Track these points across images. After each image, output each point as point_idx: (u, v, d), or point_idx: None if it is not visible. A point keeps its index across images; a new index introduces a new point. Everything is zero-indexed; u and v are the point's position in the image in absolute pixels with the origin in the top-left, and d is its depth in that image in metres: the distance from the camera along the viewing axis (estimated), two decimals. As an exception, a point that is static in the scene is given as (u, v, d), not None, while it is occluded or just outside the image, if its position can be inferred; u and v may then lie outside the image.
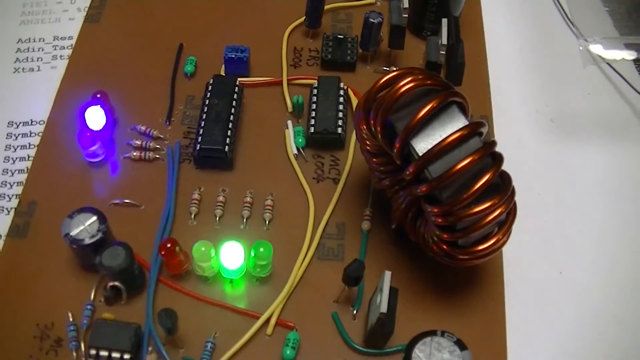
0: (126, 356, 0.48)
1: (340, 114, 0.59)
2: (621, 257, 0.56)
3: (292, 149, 0.59)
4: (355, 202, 0.56)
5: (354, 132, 0.58)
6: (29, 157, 0.61)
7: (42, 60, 0.68)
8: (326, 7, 0.66)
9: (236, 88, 0.60)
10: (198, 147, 0.57)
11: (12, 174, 0.60)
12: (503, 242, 0.48)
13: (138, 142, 0.59)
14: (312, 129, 0.58)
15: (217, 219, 0.55)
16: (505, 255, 0.54)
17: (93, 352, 0.48)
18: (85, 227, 0.51)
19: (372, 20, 0.61)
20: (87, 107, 0.57)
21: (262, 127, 0.61)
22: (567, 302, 0.54)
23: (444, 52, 0.59)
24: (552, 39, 0.70)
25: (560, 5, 0.72)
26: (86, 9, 0.69)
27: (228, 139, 0.57)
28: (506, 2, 0.73)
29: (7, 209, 0.58)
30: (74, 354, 0.49)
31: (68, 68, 0.64)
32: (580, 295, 0.55)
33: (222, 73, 0.63)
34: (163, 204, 0.56)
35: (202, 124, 0.58)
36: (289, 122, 0.60)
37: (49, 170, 0.58)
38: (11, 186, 0.59)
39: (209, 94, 0.60)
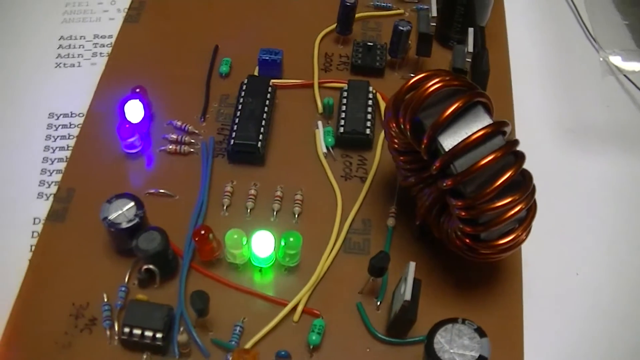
0: (158, 335, 0.49)
1: (369, 116, 0.61)
2: (634, 260, 0.58)
3: (322, 148, 0.61)
4: (381, 200, 0.58)
5: (382, 133, 0.60)
6: (68, 147, 0.63)
7: (82, 56, 0.71)
8: (357, 15, 0.68)
9: (269, 88, 0.62)
10: (232, 142, 0.59)
11: (52, 162, 0.63)
12: (523, 238, 0.49)
13: (174, 137, 0.61)
14: (341, 129, 0.60)
15: (248, 211, 0.57)
16: (524, 255, 0.55)
17: (127, 330, 0.50)
18: (123, 212, 0.53)
19: (401, 28, 0.63)
20: (127, 101, 0.59)
21: (293, 127, 0.63)
22: (582, 302, 0.56)
23: (469, 60, 0.61)
24: (573, 51, 0.72)
25: (581, 18, 0.74)
26: (126, 9, 0.72)
27: (261, 136, 0.59)
28: (529, 14, 0.75)
29: (46, 194, 0.61)
30: (108, 332, 0.51)
31: (108, 64, 0.67)
32: (595, 295, 0.56)
33: (256, 74, 0.65)
34: (196, 196, 0.58)
35: (236, 121, 0.60)
36: (319, 123, 0.62)
37: (87, 160, 0.60)
38: (51, 174, 0.62)
39: (243, 92, 0.62)
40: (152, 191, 0.58)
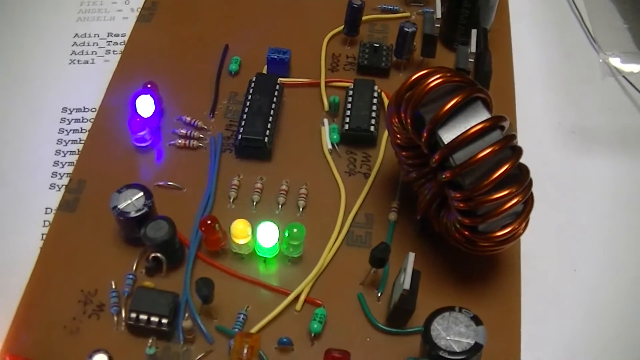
0: (164, 320, 0.51)
1: (374, 114, 0.62)
2: (632, 259, 0.59)
3: (327, 145, 0.62)
4: (383, 195, 0.59)
5: (386, 131, 0.61)
6: (80, 140, 0.65)
7: (96, 54, 0.72)
8: (364, 17, 0.69)
9: (277, 86, 0.63)
10: (239, 137, 0.60)
11: (64, 154, 0.64)
12: (521, 231, 0.51)
13: (183, 131, 0.62)
14: (346, 126, 0.62)
15: (254, 203, 0.59)
16: (523, 250, 0.56)
17: (133, 315, 0.51)
18: (132, 201, 0.54)
19: (406, 30, 0.65)
20: (138, 96, 0.61)
21: (299, 123, 0.64)
22: (579, 298, 0.57)
23: (472, 60, 0.62)
24: (574, 53, 0.73)
25: (583, 21, 0.75)
26: (139, 9, 0.74)
27: (268, 131, 0.61)
28: (533, 17, 0.76)
29: (58, 185, 0.62)
30: (115, 318, 0.53)
31: (120, 61, 0.69)
32: (592, 292, 0.57)
33: (265, 72, 0.67)
34: (204, 188, 0.59)
35: (244, 116, 0.61)
36: (325, 120, 0.64)
37: (99, 152, 0.62)
38: (63, 166, 0.63)
39: (251, 90, 0.63)
40: (161, 183, 0.59)
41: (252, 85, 0.64)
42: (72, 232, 0.57)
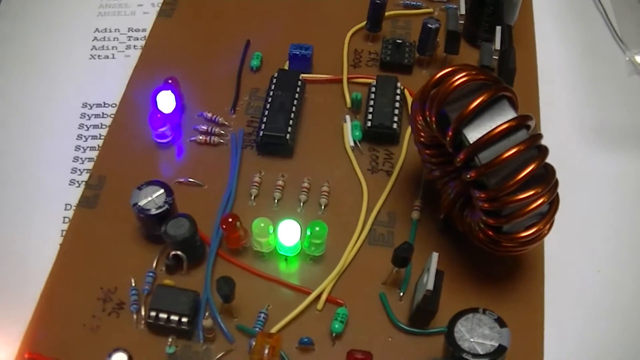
0: (184, 319, 0.50)
1: (396, 111, 0.61)
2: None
3: (349, 142, 0.61)
4: (406, 193, 0.59)
5: (409, 128, 0.61)
6: (100, 135, 0.65)
7: (116, 49, 0.72)
8: (387, 13, 0.69)
9: (299, 82, 0.63)
10: (261, 134, 0.60)
11: (84, 150, 0.64)
12: (545, 232, 0.50)
13: (204, 127, 0.62)
14: (369, 123, 0.61)
15: (276, 201, 0.58)
16: (547, 251, 0.56)
17: (153, 314, 0.51)
18: (152, 198, 0.54)
19: (430, 26, 0.64)
20: (159, 91, 0.61)
21: (321, 120, 0.63)
22: (603, 300, 0.56)
23: (496, 58, 0.62)
24: (599, 51, 0.72)
25: (608, 18, 0.74)
26: (160, 4, 0.73)
27: (289, 128, 0.60)
28: (557, 14, 0.75)
29: (78, 182, 0.62)
30: (135, 316, 0.52)
31: (141, 56, 0.68)
32: (616, 294, 0.56)
33: (286, 68, 0.66)
34: (225, 185, 0.59)
35: (266, 113, 0.61)
36: (347, 117, 0.63)
37: (119, 148, 0.62)
38: (83, 162, 0.63)
39: (273, 85, 0.63)
40: (181, 180, 0.59)
41: (274, 81, 0.63)
42: (92, 229, 0.57)
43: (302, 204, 0.58)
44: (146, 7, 0.76)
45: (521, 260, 0.55)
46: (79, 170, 0.63)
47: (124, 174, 0.60)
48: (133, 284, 0.53)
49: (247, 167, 0.60)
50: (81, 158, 0.63)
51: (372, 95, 0.62)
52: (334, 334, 0.51)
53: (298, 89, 0.63)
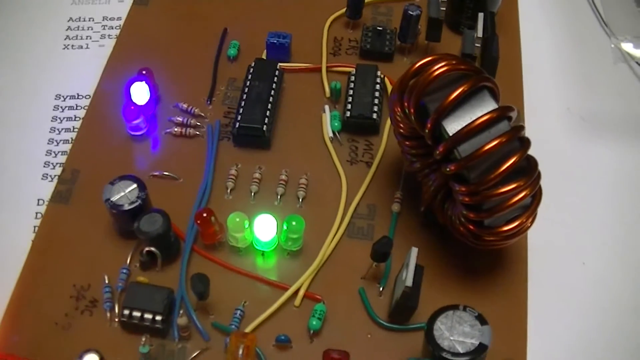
0: (158, 317, 0.49)
1: (376, 101, 0.60)
2: (644, 252, 0.57)
3: (328, 132, 0.60)
4: (386, 185, 0.58)
5: (389, 118, 0.60)
6: (74, 128, 0.63)
7: (90, 38, 0.70)
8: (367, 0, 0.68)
9: (277, 72, 0.62)
10: (237, 125, 0.59)
11: (58, 143, 0.63)
12: (528, 225, 0.49)
13: (179, 119, 0.61)
14: (348, 114, 0.60)
15: (252, 194, 0.57)
16: (530, 244, 0.55)
17: (126, 312, 0.50)
18: (125, 193, 0.53)
19: (410, 13, 0.63)
20: (133, 82, 0.59)
21: (300, 111, 0.62)
22: (588, 292, 0.55)
23: (479, 45, 0.60)
24: (586, 38, 0.71)
25: (595, 5, 0.73)
26: (136, -8, 0.72)
27: (267, 119, 0.59)
28: (542, 0, 0.74)
29: (50, 176, 0.60)
30: (108, 314, 0.51)
31: (116, 46, 0.67)
32: (601, 286, 0.55)
33: (264, 57, 0.65)
34: (201, 178, 0.57)
35: (242, 104, 0.60)
36: (326, 107, 0.62)
37: (93, 142, 0.60)
38: (56, 155, 0.62)
39: (250, 75, 0.61)
40: (156, 173, 0.58)
41: (251, 71, 0.62)
42: (65, 225, 0.56)
43: (279, 197, 0.57)
44: (122, -5, 0.74)
45: (504, 253, 0.54)
46: (52, 164, 0.61)
47: (98, 168, 0.58)
48: (106, 281, 0.52)
49: (223, 159, 0.59)
50: (54, 152, 0.62)
51: (352, 85, 0.61)
52: (311, 331, 0.50)
53: (275, 79, 0.61)
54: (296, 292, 0.52)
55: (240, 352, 0.46)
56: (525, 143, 0.47)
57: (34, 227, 0.57)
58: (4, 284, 0.53)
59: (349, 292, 0.53)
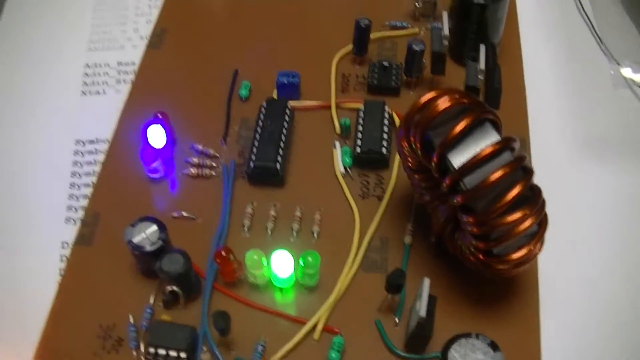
0: (182, 355, 0.51)
1: (385, 135, 0.62)
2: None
3: (340, 168, 0.62)
4: (398, 218, 0.59)
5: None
6: (94, 172, 0.65)
7: (107, 84, 0.73)
8: (373, 36, 0.69)
9: (287, 111, 0.63)
10: (252, 165, 0.60)
11: (79, 187, 0.65)
12: (536, 252, 0.50)
13: (196, 160, 0.62)
14: (358, 149, 0.61)
15: (269, 231, 0.59)
16: (541, 269, 0.56)
17: (152, 350, 0.51)
18: (146, 235, 0.54)
19: (414, 48, 0.64)
20: (149, 126, 0.61)
21: (311, 147, 0.64)
22: (601, 317, 0.56)
23: (482, 77, 0.62)
24: (587, 65, 0.72)
25: (595, 32, 0.74)
26: (148, 36, 0.73)
27: (280, 157, 0.60)
28: (543, 28, 0.75)
29: (74, 219, 0.62)
30: (134, 352, 0.53)
31: (132, 91, 0.68)
32: (614, 309, 0.57)
33: (275, 97, 0.66)
34: (218, 217, 0.59)
35: (256, 144, 0.61)
36: (337, 143, 0.63)
37: (113, 185, 0.62)
38: (78, 199, 0.64)
39: (262, 116, 0.63)
40: (175, 214, 0.59)
41: (263, 111, 0.64)
42: (90, 266, 0.57)
43: (295, 233, 0.58)
44: (135, 40, 0.77)
45: (515, 280, 0.55)
46: (75, 208, 0.63)
47: (119, 210, 0.60)
48: (131, 320, 0.54)
49: (239, 198, 0.60)
50: (76, 195, 0.64)
51: (361, 121, 0.63)
52: (331, 364, 0.52)
53: (287, 118, 0.63)
54: (315, 326, 0.53)
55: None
56: (528, 172, 0.49)
57: (60, 269, 0.59)
58: (33, 327, 0.54)
59: (365, 324, 0.54)
